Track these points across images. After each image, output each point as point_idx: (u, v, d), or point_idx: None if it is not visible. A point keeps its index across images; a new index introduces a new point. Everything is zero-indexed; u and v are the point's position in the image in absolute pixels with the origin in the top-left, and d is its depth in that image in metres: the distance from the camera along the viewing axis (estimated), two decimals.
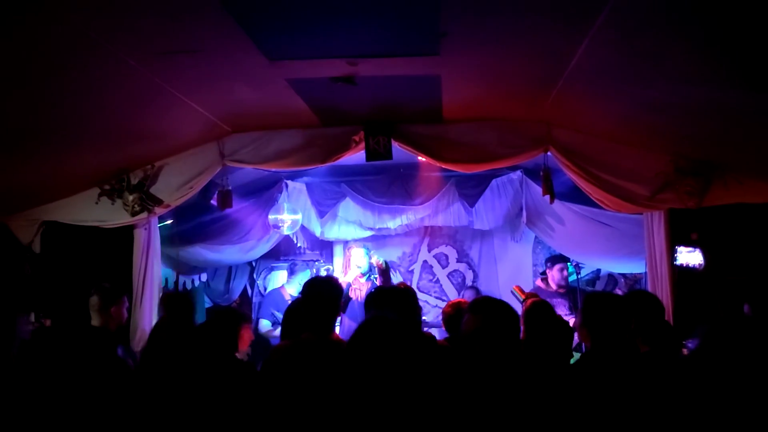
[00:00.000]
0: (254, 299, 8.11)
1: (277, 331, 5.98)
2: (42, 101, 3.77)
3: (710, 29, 2.95)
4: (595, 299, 3.24)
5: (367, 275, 6.43)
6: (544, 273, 6.67)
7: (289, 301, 6.55)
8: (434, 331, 7.19)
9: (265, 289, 8.04)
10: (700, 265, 4.79)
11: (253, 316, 7.26)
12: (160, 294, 5.78)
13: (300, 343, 3.29)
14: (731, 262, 4.74)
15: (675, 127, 4.40)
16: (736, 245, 4.76)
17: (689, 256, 4.83)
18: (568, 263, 6.51)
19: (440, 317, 7.68)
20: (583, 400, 2.79)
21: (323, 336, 3.22)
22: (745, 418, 2.84)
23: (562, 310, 6.23)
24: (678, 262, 4.89)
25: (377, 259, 5.58)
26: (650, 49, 3.34)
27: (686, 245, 4.86)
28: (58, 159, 4.67)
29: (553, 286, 6.43)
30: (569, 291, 6.40)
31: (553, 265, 6.43)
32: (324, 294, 3.25)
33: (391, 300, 3.42)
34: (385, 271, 5.37)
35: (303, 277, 6.86)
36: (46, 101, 3.78)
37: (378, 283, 5.74)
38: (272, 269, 8.28)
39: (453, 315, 4.19)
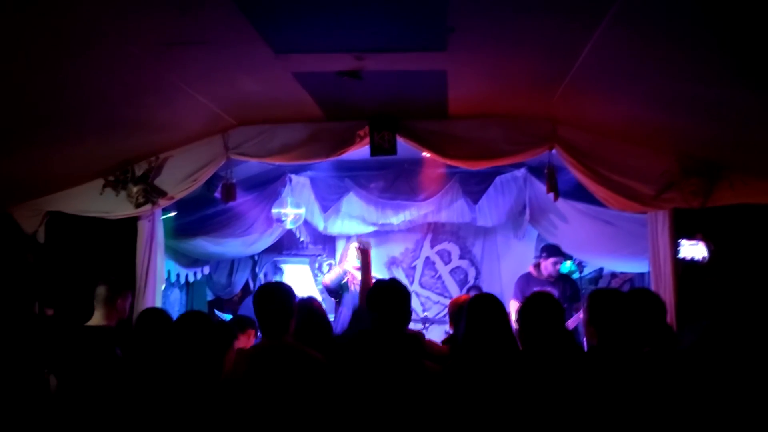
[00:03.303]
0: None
1: None
2: (46, 91, 3.76)
3: (719, 28, 2.94)
4: (602, 296, 3.23)
5: None
6: (538, 258, 6.70)
7: None
8: (435, 328, 7.23)
9: None
10: (704, 258, 4.76)
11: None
12: (163, 285, 5.80)
13: (257, 349, 3.32)
14: (736, 262, 4.72)
15: (681, 126, 4.39)
16: (741, 246, 4.74)
17: (693, 249, 4.81)
18: (565, 260, 6.56)
19: (441, 313, 7.76)
20: (589, 397, 2.79)
21: (277, 340, 3.23)
22: (744, 417, 2.84)
23: None
24: (681, 256, 4.87)
25: (360, 242, 5.33)
26: (658, 47, 3.32)
27: (689, 238, 4.84)
28: (63, 149, 4.67)
29: (545, 275, 6.47)
30: (558, 280, 6.49)
31: (549, 256, 6.48)
32: (273, 299, 3.27)
33: (390, 298, 3.42)
34: (365, 251, 5.14)
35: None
36: (50, 91, 3.78)
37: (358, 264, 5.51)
38: (275, 263, 8.30)
39: (460, 311, 4.16)
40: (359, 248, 5.08)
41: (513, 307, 6.08)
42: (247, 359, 3.21)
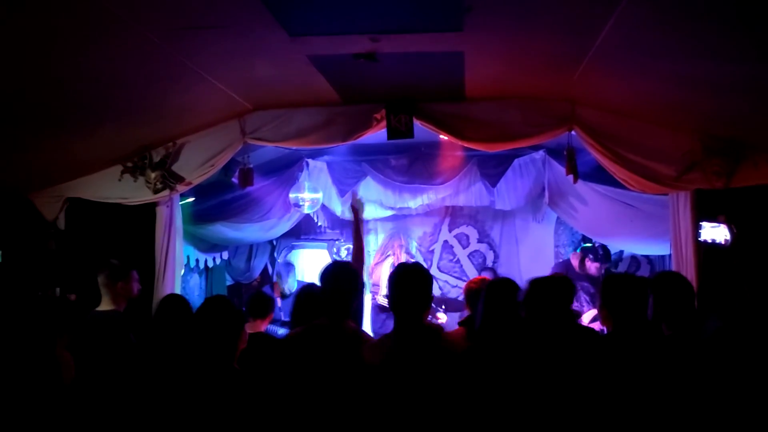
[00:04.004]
0: (275, 278, 8.17)
1: None
2: (64, 78, 3.79)
3: (743, 2, 2.87)
4: (615, 281, 3.20)
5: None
6: (586, 254, 6.59)
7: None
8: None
9: None
10: (726, 241, 4.68)
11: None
12: (182, 270, 5.84)
13: (315, 329, 3.30)
14: (759, 243, 4.63)
15: (704, 105, 4.30)
16: (765, 226, 4.65)
17: (714, 232, 4.73)
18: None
19: (460, 297, 7.75)
20: (601, 383, 2.77)
21: (338, 321, 3.22)
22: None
23: (584, 295, 6.23)
24: (702, 238, 4.79)
25: (354, 200, 5.29)
26: (680, 23, 3.25)
27: (711, 221, 4.75)
28: (82, 136, 4.71)
29: (588, 272, 6.45)
30: (598, 279, 6.38)
31: (595, 260, 6.42)
32: (340, 279, 3.27)
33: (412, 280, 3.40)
34: (356, 210, 5.03)
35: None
36: (68, 78, 3.80)
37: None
38: (293, 248, 8.31)
39: (476, 291, 4.14)
40: (352, 206, 4.92)
41: None
42: (310, 337, 3.22)
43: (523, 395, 2.76)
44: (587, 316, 6.03)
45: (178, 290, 5.63)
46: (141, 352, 3.55)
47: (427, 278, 3.05)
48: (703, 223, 4.82)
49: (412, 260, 7.42)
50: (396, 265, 4.95)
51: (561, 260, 7.31)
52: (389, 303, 3.11)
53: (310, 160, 6.93)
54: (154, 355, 3.34)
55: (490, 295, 3.11)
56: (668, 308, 3.15)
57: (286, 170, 6.85)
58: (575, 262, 6.56)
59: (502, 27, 3.65)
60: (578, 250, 6.72)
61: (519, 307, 3.03)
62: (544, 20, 3.50)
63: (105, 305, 4.21)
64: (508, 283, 3.23)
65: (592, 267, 6.46)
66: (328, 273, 3.34)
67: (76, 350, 3.67)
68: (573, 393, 2.74)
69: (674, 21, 3.22)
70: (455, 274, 8.31)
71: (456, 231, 8.38)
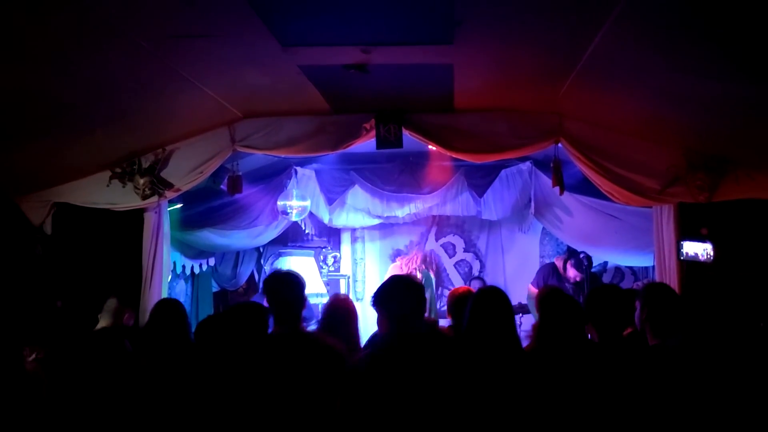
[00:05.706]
0: (261, 285, 8.16)
1: None
2: (55, 83, 3.78)
3: (725, 22, 2.94)
4: (597, 294, 3.26)
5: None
6: (569, 258, 6.74)
7: None
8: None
9: None
10: (708, 256, 4.76)
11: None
12: (169, 276, 5.82)
13: (274, 339, 3.30)
14: (741, 257, 4.72)
15: (688, 120, 4.38)
16: (746, 241, 4.74)
17: (695, 247, 4.81)
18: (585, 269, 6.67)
19: (445, 306, 7.78)
20: (586, 391, 2.81)
21: (292, 329, 3.23)
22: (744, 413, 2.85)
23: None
24: (684, 252, 4.88)
25: None
26: (665, 41, 3.32)
27: (692, 240, 4.84)
28: (71, 141, 4.69)
29: (569, 277, 6.59)
30: (581, 283, 6.50)
31: (573, 267, 6.61)
32: (286, 287, 3.28)
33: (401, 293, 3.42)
34: None
35: None
36: (59, 83, 3.80)
37: None
38: (279, 255, 8.31)
39: (458, 302, 4.17)
40: None
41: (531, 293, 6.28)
42: (264, 348, 3.21)
43: (503, 404, 2.78)
44: None
45: (164, 296, 5.61)
46: (138, 359, 3.53)
47: (419, 288, 3.07)
48: (684, 243, 4.91)
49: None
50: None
51: (547, 263, 7.44)
52: (384, 315, 3.12)
53: (298, 168, 6.95)
54: (154, 360, 3.32)
55: (477, 304, 3.13)
56: (656, 318, 3.22)
57: (275, 178, 6.86)
58: (559, 264, 6.72)
59: (491, 41, 3.70)
60: (564, 253, 6.89)
61: (507, 316, 3.06)
62: (532, 35, 3.57)
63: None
64: (496, 292, 3.26)
65: (570, 272, 6.62)
66: (271, 283, 3.33)
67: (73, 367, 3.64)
68: (558, 401, 2.77)
69: (659, 39, 3.30)
70: (441, 283, 8.35)
71: (443, 240, 8.43)
